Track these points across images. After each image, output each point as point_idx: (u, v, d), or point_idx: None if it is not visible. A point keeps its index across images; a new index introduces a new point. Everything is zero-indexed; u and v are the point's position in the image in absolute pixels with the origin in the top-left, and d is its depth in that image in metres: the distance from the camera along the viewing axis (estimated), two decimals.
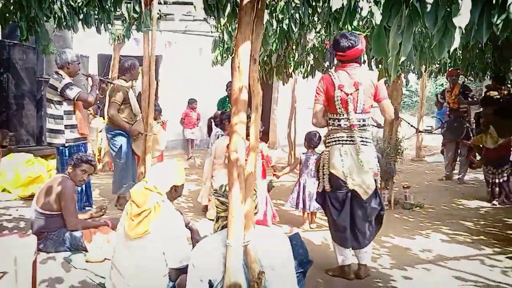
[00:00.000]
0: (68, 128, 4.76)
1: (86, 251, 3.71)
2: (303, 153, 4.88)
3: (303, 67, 6.65)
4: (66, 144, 4.74)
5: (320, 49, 5.96)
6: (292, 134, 9.35)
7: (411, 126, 8.35)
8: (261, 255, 2.32)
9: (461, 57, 5.97)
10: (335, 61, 3.51)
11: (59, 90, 4.64)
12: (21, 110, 7.24)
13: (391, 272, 3.59)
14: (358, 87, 3.27)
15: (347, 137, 3.32)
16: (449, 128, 7.69)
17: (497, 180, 6.10)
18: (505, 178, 6.10)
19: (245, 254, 2.30)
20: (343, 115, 3.34)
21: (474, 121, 7.10)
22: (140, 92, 5.55)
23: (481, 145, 6.38)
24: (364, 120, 3.34)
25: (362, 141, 3.30)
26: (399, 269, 3.64)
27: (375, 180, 3.34)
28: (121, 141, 5.24)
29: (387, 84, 6.02)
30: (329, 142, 3.42)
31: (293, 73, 7.01)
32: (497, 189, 6.09)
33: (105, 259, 3.55)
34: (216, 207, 2.54)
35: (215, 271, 2.32)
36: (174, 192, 3.07)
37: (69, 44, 8.24)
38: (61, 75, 4.74)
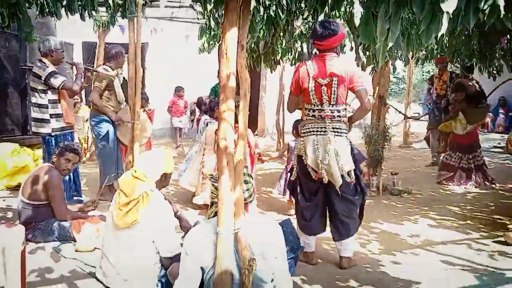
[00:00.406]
0: (54, 117, 4.69)
1: (75, 241, 3.69)
2: (292, 141, 4.89)
3: (291, 54, 6.62)
4: (52, 134, 4.67)
5: (307, 36, 5.93)
6: (280, 122, 9.36)
7: (399, 112, 8.41)
8: (252, 243, 2.32)
9: (447, 44, 5.99)
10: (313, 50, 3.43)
11: (43, 78, 4.56)
12: (5, 99, 7.11)
13: (380, 257, 3.63)
14: (332, 78, 3.19)
15: (321, 127, 3.26)
16: (435, 115, 7.75)
17: (466, 166, 6.31)
18: (480, 163, 6.35)
19: (235, 241, 2.31)
20: (317, 106, 3.28)
21: (442, 107, 7.14)
22: (124, 78, 5.49)
23: (447, 132, 6.55)
24: (339, 111, 3.25)
25: (335, 132, 3.23)
26: (388, 254, 3.69)
27: (355, 171, 3.30)
28: (105, 128, 5.15)
29: (374, 71, 6.10)
30: (304, 133, 3.38)
31: (280, 60, 6.97)
32: (464, 173, 6.32)
33: (95, 248, 3.54)
34: (211, 192, 2.52)
35: (207, 258, 2.33)
36: (164, 181, 3.05)
37: (53, 31, 8.08)
38: (45, 63, 4.65)
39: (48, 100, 4.65)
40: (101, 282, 2.95)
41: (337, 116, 3.25)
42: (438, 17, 2.03)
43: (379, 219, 4.64)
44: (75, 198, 4.72)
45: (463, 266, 3.43)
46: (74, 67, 5.02)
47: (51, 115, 4.66)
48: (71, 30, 8.63)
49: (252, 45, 6.11)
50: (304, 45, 6.08)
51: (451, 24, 2.17)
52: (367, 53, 5.03)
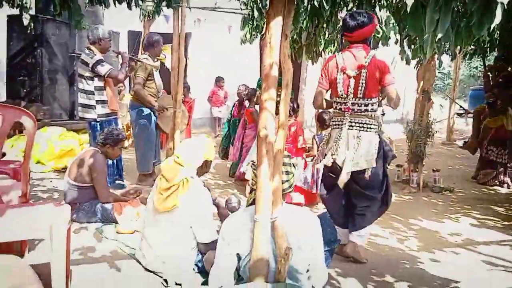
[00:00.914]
0: (100, 104, 4.84)
1: (117, 223, 3.81)
2: (316, 135, 4.86)
3: (334, 46, 6.52)
4: (98, 119, 4.83)
5: None
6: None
7: (461, 108, 8.09)
8: (289, 233, 2.33)
9: (498, 38, 5.74)
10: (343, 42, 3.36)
11: (90, 65, 4.71)
12: (54, 84, 7.39)
13: (418, 254, 3.56)
14: (361, 70, 3.09)
15: (346, 121, 3.17)
16: None
17: (502, 161, 6.16)
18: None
19: (272, 230, 2.32)
20: (343, 99, 3.19)
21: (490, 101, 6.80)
22: (166, 66, 5.57)
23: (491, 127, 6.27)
24: (366, 105, 3.13)
25: (361, 126, 3.13)
26: (426, 252, 3.61)
27: (383, 168, 3.21)
28: (146, 116, 5.27)
29: (419, 65, 5.92)
30: (331, 125, 3.33)
31: (323, 52, 6.89)
32: (503, 168, 6.17)
33: (135, 231, 3.65)
34: (252, 179, 2.54)
35: (243, 245, 2.36)
36: (204, 167, 3.10)
37: (101, 19, 8.31)
38: (93, 51, 4.80)
39: (94, 87, 4.80)
40: (140, 263, 3.04)
41: (364, 110, 3.14)
42: (491, 7, 1.96)
43: (419, 216, 4.54)
44: (117, 182, 4.87)
45: (505, 267, 3.32)
46: (119, 56, 5.16)
47: (97, 101, 4.82)
48: (118, 19, 8.83)
49: (295, 36, 6.07)
50: None
51: (504, 16, 2.09)
52: (412, 46, 4.90)
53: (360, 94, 3.12)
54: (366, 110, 3.14)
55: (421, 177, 5.67)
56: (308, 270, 2.42)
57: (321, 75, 3.32)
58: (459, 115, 10.58)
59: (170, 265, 2.86)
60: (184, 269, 2.88)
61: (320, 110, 4.98)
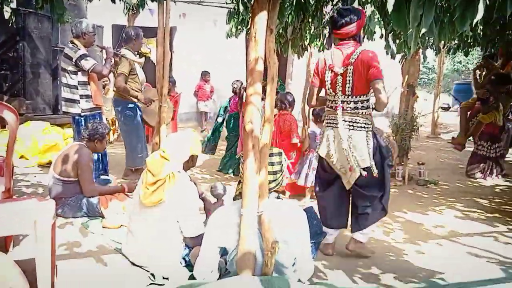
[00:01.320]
0: (84, 98, 4.78)
1: (103, 217, 3.79)
2: (311, 130, 4.89)
3: (319, 40, 6.54)
4: (82, 114, 4.77)
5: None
6: (306, 109, 9.29)
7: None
8: (276, 227, 2.34)
9: (481, 33, 5.82)
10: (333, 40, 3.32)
11: (74, 60, 4.64)
12: (37, 78, 7.29)
13: (403, 246, 3.61)
14: (347, 67, 3.03)
15: (335, 120, 3.13)
16: None
17: (494, 155, 6.28)
18: (500, 154, 6.34)
19: (259, 224, 2.33)
20: (332, 97, 3.16)
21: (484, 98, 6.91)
22: (148, 58, 5.51)
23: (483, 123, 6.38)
24: (356, 103, 3.06)
25: (350, 125, 3.07)
26: (411, 244, 3.66)
27: (382, 166, 3.13)
28: (131, 111, 5.25)
29: (404, 59, 5.97)
30: (324, 124, 3.29)
31: (308, 46, 6.90)
32: (492, 162, 6.29)
33: (121, 225, 3.63)
34: (240, 172, 2.53)
35: (230, 239, 2.37)
36: (190, 162, 3.10)
37: (84, 13, 8.21)
38: (76, 45, 4.73)
39: (78, 81, 4.74)
40: (127, 258, 3.03)
41: (354, 107, 3.06)
42: (474, 3, 1.98)
43: (404, 209, 4.60)
44: (102, 177, 4.83)
45: (489, 258, 3.38)
46: (103, 50, 5.10)
47: (80, 96, 4.76)
48: (101, 13, 8.73)
49: (280, 30, 6.07)
50: None
51: (487, 11, 2.12)
52: (397, 40, 4.94)
53: (348, 91, 3.06)
54: (356, 108, 3.07)
55: (406, 170, 5.74)
56: (294, 264, 2.44)
57: (313, 73, 3.32)
58: (444, 109, 10.71)
59: (157, 259, 2.85)
60: (171, 263, 2.87)
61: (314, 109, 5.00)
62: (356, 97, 3.06)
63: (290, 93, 5.42)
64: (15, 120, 3.05)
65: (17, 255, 2.97)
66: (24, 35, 7.01)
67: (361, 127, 3.06)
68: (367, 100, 3.10)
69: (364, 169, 3.05)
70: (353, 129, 3.06)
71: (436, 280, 2.94)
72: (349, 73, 3.03)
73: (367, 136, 3.06)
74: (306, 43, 6.58)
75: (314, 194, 4.69)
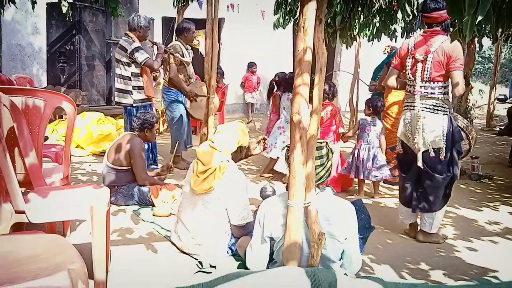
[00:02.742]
0: (136, 89, 4.94)
1: (153, 205, 3.92)
2: (361, 119, 4.80)
3: (368, 29, 6.40)
4: (134, 104, 4.94)
5: (387, 11, 5.69)
6: (354, 100, 9.13)
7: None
8: (325, 221, 2.33)
9: None
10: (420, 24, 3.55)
11: (128, 52, 4.80)
12: (92, 71, 7.59)
13: (455, 242, 3.50)
14: (427, 55, 3.21)
15: (413, 103, 3.32)
16: None
17: None
18: None
19: (306, 215, 2.33)
20: (412, 82, 3.35)
21: None
22: (197, 50, 5.58)
23: None
24: (433, 88, 3.25)
25: (429, 108, 3.24)
26: (463, 240, 3.54)
27: (451, 150, 3.28)
28: (176, 102, 5.37)
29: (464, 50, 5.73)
30: (403, 107, 3.48)
31: (357, 36, 6.77)
32: None
33: (171, 214, 3.74)
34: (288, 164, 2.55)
35: (277, 228, 2.39)
36: (239, 153, 3.14)
37: (136, 6, 8.44)
38: (131, 37, 4.88)
39: (131, 72, 4.91)
40: (176, 246, 3.12)
41: (431, 93, 3.25)
42: None
43: (456, 204, 4.44)
44: (151, 167, 4.99)
45: None
46: (155, 46, 5.21)
47: (133, 87, 4.93)
48: (152, 5, 8.94)
49: (329, 20, 5.98)
50: (384, 20, 5.83)
51: None
52: (451, 28, 4.75)
53: (426, 78, 3.24)
54: (433, 93, 3.25)
55: (459, 164, 5.52)
56: (341, 258, 2.42)
57: (394, 57, 3.55)
58: (500, 100, 10.19)
59: (205, 248, 2.92)
60: (218, 252, 2.93)
61: (369, 97, 5.01)
62: (433, 83, 3.25)
63: (331, 82, 5.32)
64: (73, 111, 3.19)
65: (73, 239, 3.13)
66: (80, 29, 7.30)
67: (437, 110, 3.25)
68: (445, 87, 3.29)
69: (434, 149, 3.24)
70: (429, 111, 3.25)
71: (489, 278, 2.83)
72: (429, 61, 3.21)
73: (442, 119, 3.25)
74: (355, 32, 6.47)
75: (362, 187, 4.66)
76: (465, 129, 3.80)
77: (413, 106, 3.30)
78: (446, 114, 3.27)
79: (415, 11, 4.63)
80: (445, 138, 3.24)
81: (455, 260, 3.16)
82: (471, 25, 2.21)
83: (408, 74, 3.37)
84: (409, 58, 3.34)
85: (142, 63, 4.84)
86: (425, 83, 3.27)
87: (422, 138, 3.24)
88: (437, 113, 3.25)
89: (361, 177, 4.60)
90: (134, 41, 4.85)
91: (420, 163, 3.29)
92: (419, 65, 3.26)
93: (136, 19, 4.93)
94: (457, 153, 3.37)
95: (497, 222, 3.98)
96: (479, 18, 2.09)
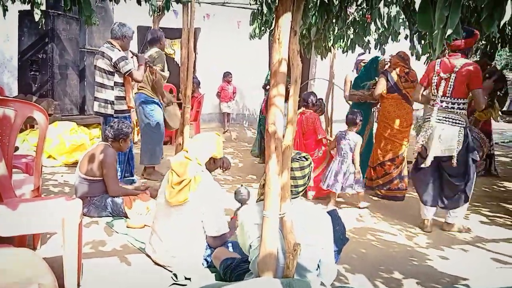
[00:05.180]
0: (118, 99, 4.85)
1: (127, 217, 3.86)
2: (339, 131, 4.84)
3: (343, 41, 6.50)
4: (115, 115, 4.81)
5: (361, 22, 5.80)
6: (329, 110, 9.22)
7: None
8: (300, 230, 2.34)
9: (510, 33, 5.69)
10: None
11: (113, 60, 4.70)
12: (65, 79, 7.44)
13: (427, 251, 3.56)
14: (451, 74, 3.79)
15: (435, 114, 3.84)
16: None
17: (489, 153, 6.44)
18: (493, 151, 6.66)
19: (281, 225, 2.34)
20: (435, 96, 3.90)
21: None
22: (172, 59, 5.58)
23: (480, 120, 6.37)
24: (453, 103, 3.81)
25: (447, 120, 3.80)
26: (435, 249, 3.61)
27: (466, 159, 3.80)
28: (155, 111, 5.31)
29: (429, 60, 5.88)
30: (425, 117, 4.01)
31: (332, 47, 6.86)
32: (488, 160, 6.53)
33: (145, 225, 3.68)
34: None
35: (254, 237, 2.39)
36: (213, 164, 3.13)
37: (111, 15, 8.34)
38: (115, 46, 4.80)
39: (114, 82, 4.80)
40: (150, 258, 3.07)
41: (451, 107, 3.82)
42: (502, 3, 1.94)
43: None
44: (127, 179, 4.91)
45: None
46: (135, 57, 5.14)
47: (116, 97, 4.82)
48: (127, 14, 8.86)
49: (304, 31, 6.06)
50: (358, 32, 5.93)
51: None
52: (422, 41, 4.87)
53: (448, 93, 3.83)
54: (453, 108, 3.82)
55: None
56: (318, 268, 2.43)
57: (423, 75, 4.12)
58: None
59: (180, 259, 2.89)
60: (193, 264, 2.90)
61: (348, 111, 5.27)
62: (454, 99, 3.83)
63: (314, 93, 5.39)
64: (45, 120, 3.13)
65: (44, 253, 3.05)
66: (53, 37, 7.16)
67: (455, 123, 3.79)
68: (464, 103, 3.85)
69: (450, 157, 3.78)
70: (448, 123, 3.80)
71: (460, 286, 2.89)
72: (452, 79, 3.81)
73: (459, 131, 3.78)
74: (330, 44, 6.56)
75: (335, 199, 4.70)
76: (479, 140, 4.53)
77: (434, 117, 3.85)
78: (463, 127, 3.78)
79: (385, 24, 4.75)
80: (459, 147, 3.74)
81: (428, 269, 3.21)
82: (441, 39, 2.28)
83: (433, 89, 3.93)
84: (435, 77, 3.92)
85: (126, 74, 4.78)
86: (447, 98, 3.83)
87: (436, 144, 3.78)
88: (453, 125, 3.78)
89: (332, 190, 4.64)
90: (119, 50, 4.78)
91: (428, 163, 3.82)
92: (443, 82, 3.84)
93: (122, 28, 4.85)
94: (472, 161, 3.85)
95: (467, 231, 4.07)
96: (449, 32, 2.16)
